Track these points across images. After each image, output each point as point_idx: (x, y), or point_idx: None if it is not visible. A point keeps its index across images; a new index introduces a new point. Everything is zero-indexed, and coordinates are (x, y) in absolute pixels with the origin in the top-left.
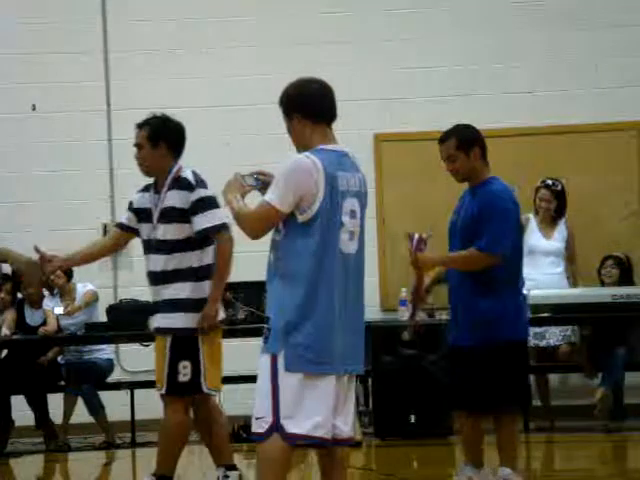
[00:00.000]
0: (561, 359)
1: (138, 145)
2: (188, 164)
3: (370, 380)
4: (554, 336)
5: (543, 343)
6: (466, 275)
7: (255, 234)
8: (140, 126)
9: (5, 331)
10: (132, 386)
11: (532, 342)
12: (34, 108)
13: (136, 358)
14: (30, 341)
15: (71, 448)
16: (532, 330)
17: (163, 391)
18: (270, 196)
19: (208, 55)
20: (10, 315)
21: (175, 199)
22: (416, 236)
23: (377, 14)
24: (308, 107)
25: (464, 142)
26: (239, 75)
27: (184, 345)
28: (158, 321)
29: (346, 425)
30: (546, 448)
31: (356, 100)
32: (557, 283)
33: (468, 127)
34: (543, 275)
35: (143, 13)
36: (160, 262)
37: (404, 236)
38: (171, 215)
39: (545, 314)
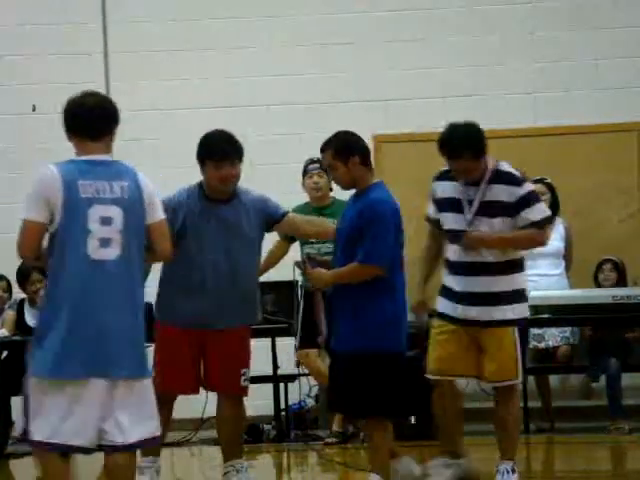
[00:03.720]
0: (560, 360)
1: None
2: (188, 165)
3: None
4: (553, 337)
5: (542, 344)
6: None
7: (19, 249)
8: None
9: (4, 332)
10: None
11: (531, 343)
12: (34, 109)
13: None
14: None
15: None
16: (531, 331)
17: (519, 380)
18: (23, 212)
19: (208, 55)
20: (9, 315)
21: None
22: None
23: (377, 14)
24: (66, 121)
25: (341, 151)
26: (239, 75)
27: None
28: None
29: (118, 431)
30: (546, 449)
31: (355, 101)
32: (557, 284)
33: (347, 135)
34: (542, 277)
35: (143, 13)
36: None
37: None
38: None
39: (544, 315)
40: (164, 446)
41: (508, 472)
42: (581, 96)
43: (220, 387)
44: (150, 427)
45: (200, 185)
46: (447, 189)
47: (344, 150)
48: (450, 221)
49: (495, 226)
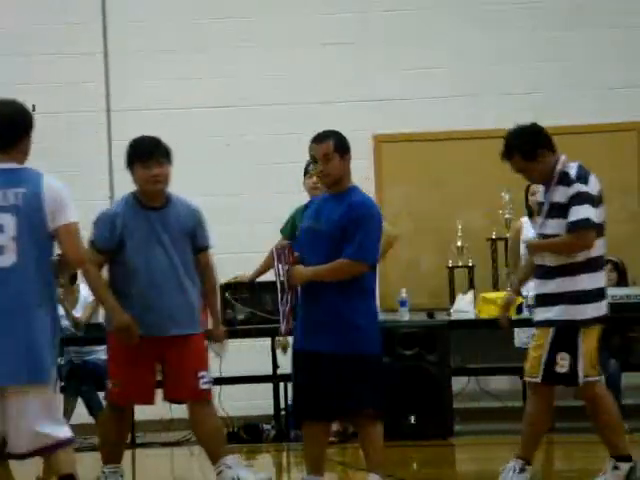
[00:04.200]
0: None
1: None
2: (187, 164)
3: None
4: None
5: None
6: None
7: None
8: None
9: None
10: None
11: (531, 343)
12: (34, 108)
13: None
14: None
15: None
16: (531, 331)
17: (536, 379)
18: None
19: (208, 55)
20: None
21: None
22: (285, 251)
23: (377, 14)
24: None
25: (341, 145)
26: (239, 75)
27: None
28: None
29: (13, 438)
30: (546, 449)
31: (355, 101)
32: None
33: (340, 132)
34: None
35: (143, 13)
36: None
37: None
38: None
39: None
40: (163, 446)
41: (515, 470)
42: (580, 96)
43: (179, 394)
44: (43, 437)
45: (134, 194)
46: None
47: (343, 145)
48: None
49: (555, 227)
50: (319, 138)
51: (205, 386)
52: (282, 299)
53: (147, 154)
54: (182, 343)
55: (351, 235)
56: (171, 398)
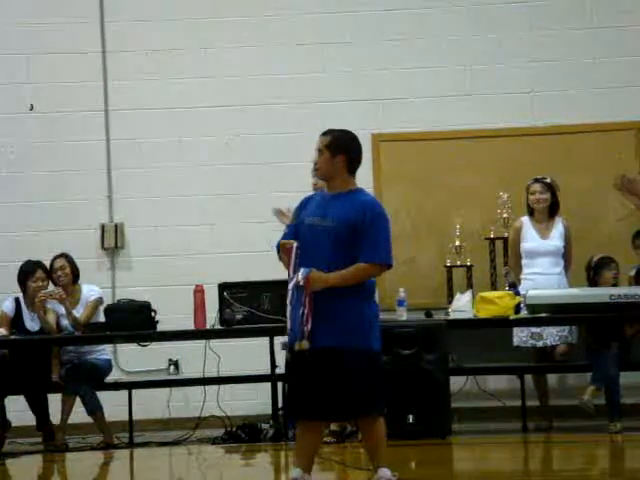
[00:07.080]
0: (558, 359)
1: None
2: (186, 164)
3: None
4: (551, 336)
5: (540, 343)
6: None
7: None
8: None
9: (3, 331)
10: (130, 386)
11: (529, 342)
12: (32, 108)
13: (134, 358)
14: (29, 342)
15: (69, 448)
16: (530, 330)
17: None
18: None
19: (208, 55)
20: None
21: None
22: (295, 246)
23: (377, 14)
24: None
25: (336, 145)
26: (239, 75)
27: None
28: None
29: None
30: (544, 448)
31: (354, 100)
32: (556, 283)
33: (347, 135)
34: (542, 275)
35: (141, 13)
36: None
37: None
38: None
39: (543, 314)
40: (162, 445)
41: None
42: (579, 95)
43: None
44: None
45: None
46: None
47: (338, 145)
48: None
49: None
50: (324, 132)
51: None
52: (298, 300)
53: None
54: None
55: (367, 237)
56: None
